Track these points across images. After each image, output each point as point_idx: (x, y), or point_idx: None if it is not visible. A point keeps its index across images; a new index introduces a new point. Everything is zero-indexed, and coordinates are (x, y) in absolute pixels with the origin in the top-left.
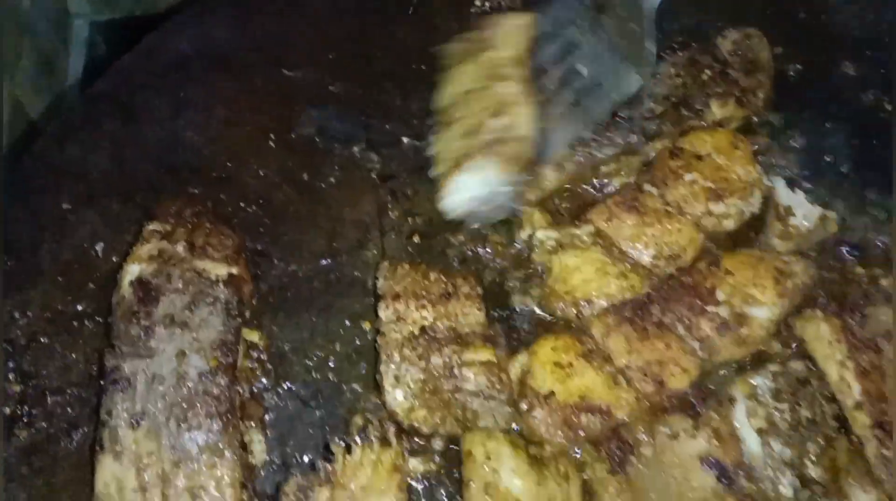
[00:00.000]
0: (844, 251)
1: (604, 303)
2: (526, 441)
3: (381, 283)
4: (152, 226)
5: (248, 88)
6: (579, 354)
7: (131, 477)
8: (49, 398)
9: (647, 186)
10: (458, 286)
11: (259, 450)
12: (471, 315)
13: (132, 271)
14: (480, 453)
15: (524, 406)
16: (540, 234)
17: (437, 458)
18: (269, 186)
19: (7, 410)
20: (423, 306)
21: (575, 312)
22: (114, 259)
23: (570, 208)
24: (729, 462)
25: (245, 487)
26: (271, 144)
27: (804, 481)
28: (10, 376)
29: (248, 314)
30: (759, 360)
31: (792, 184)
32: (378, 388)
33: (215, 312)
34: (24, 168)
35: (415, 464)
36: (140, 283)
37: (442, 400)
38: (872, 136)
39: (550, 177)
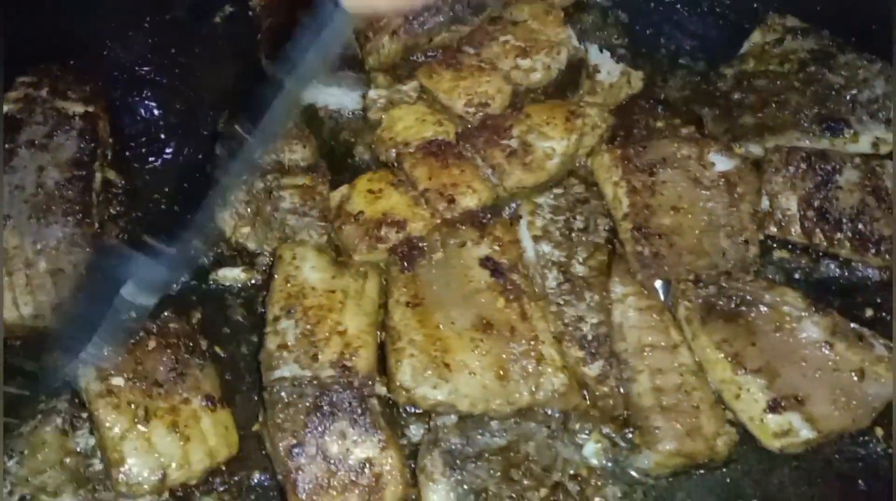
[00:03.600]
0: (646, 104)
1: (418, 144)
2: (336, 252)
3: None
4: (21, 78)
5: None
6: (390, 183)
7: None
8: None
9: (465, 47)
10: (288, 129)
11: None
12: (297, 153)
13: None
14: (288, 255)
15: (337, 225)
16: (372, 93)
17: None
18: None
19: None
20: None
21: (395, 153)
22: None
23: (406, 73)
24: (504, 262)
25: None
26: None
27: (568, 277)
28: None
29: (107, 152)
30: (549, 187)
31: (603, 48)
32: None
33: (71, 138)
34: None
35: (236, 274)
36: (6, 118)
37: (263, 218)
38: (692, 12)
39: (388, 45)
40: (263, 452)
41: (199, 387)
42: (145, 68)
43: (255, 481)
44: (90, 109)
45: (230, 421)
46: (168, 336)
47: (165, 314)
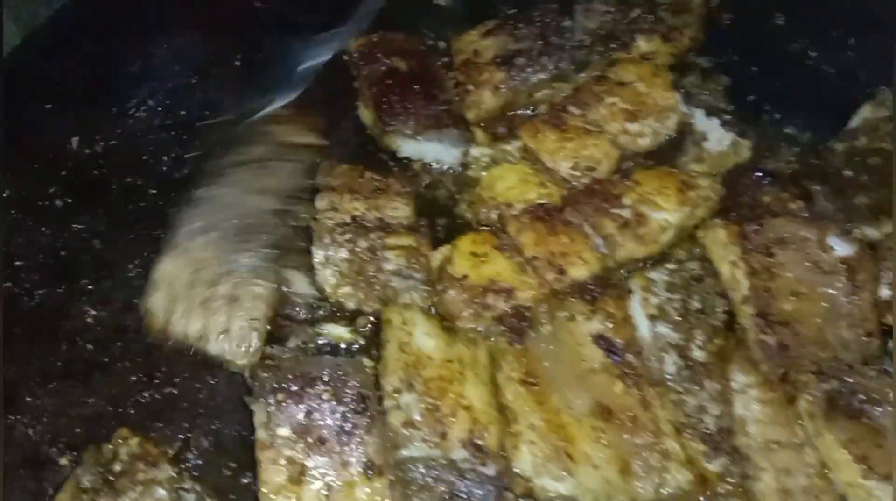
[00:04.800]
0: (755, 176)
1: (522, 207)
2: (440, 317)
3: (319, 179)
4: None
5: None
6: (494, 246)
7: (186, 274)
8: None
9: (571, 107)
10: (389, 184)
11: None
12: (399, 209)
13: None
14: (398, 320)
15: (440, 289)
16: (475, 151)
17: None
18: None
19: None
20: (356, 199)
21: (497, 214)
22: (86, 151)
23: (506, 129)
24: (619, 341)
25: (277, 311)
26: (237, 63)
27: (687, 362)
28: None
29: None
30: (660, 261)
31: (711, 114)
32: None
33: (293, 168)
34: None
35: (340, 332)
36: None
37: (365, 279)
38: (795, 80)
39: (488, 100)
40: None
41: (362, 451)
42: None
43: None
44: (315, 141)
45: (385, 494)
46: (343, 389)
47: (339, 362)
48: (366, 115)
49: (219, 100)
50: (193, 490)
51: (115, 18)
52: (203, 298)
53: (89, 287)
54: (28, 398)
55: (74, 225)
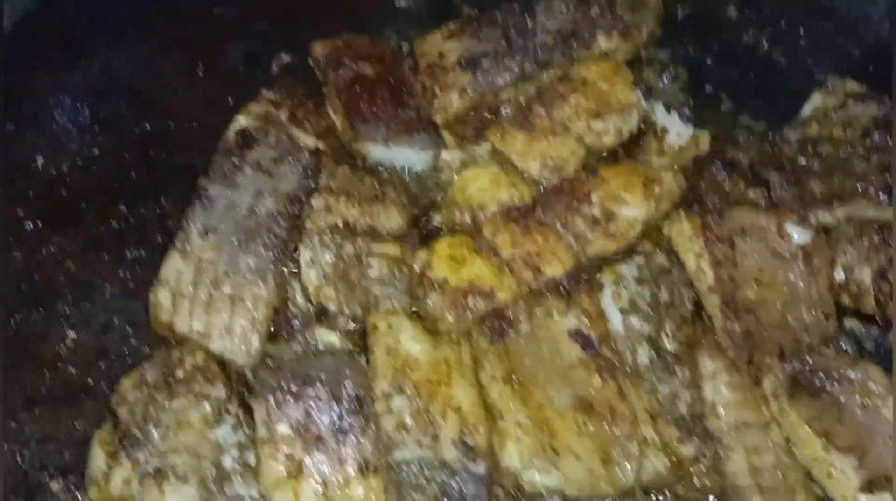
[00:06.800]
0: (714, 168)
1: (495, 209)
2: (424, 321)
3: (320, 179)
4: (267, 94)
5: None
6: (471, 249)
7: (190, 273)
8: None
9: (536, 108)
10: (386, 192)
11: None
12: (392, 219)
13: (241, 121)
14: (384, 325)
15: (421, 294)
16: (445, 155)
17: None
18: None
19: None
20: (351, 203)
21: (471, 217)
22: (52, 171)
23: (475, 132)
24: (594, 336)
25: (277, 312)
26: (199, 73)
27: (659, 352)
28: None
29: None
30: (629, 255)
31: (670, 108)
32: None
33: (296, 172)
34: None
35: (333, 339)
36: (243, 132)
37: (348, 283)
38: (750, 71)
39: (455, 103)
40: None
41: (357, 449)
42: None
43: None
44: (320, 145)
45: (380, 492)
46: (340, 390)
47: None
48: (335, 119)
49: (185, 109)
50: (235, 414)
51: (74, 29)
52: (207, 297)
53: (67, 310)
54: (14, 425)
55: (47, 247)
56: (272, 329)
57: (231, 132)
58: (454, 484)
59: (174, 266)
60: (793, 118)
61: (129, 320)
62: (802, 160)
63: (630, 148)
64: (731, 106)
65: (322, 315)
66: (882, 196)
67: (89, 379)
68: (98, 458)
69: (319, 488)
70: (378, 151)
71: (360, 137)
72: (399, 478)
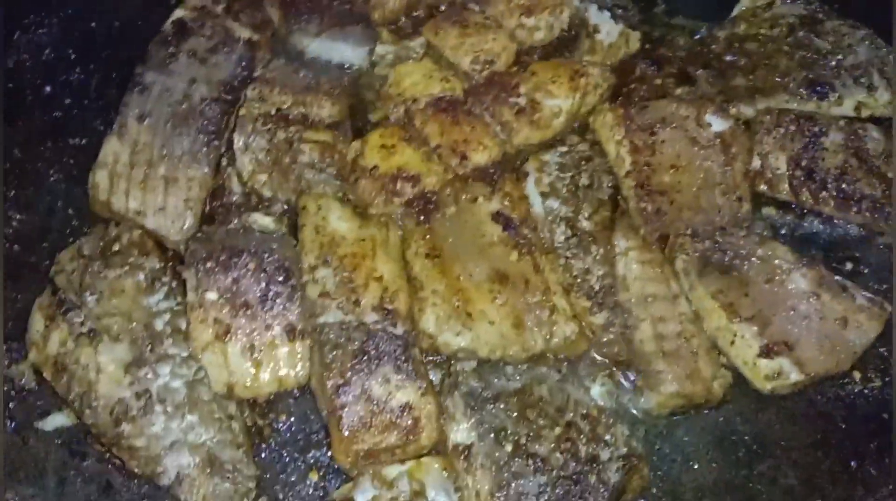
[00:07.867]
0: (644, 64)
1: (427, 100)
2: (353, 205)
3: (255, 69)
4: None
5: None
6: (402, 138)
7: (126, 155)
8: None
9: (470, 4)
10: (320, 84)
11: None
12: (325, 108)
13: (177, 13)
14: (313, 206)
15: (352, 179)
16: (380, 49)
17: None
18: None
19: None
20: (285, 93)
21: (404, 110)
22: None
23: (410, 28)
24: (515, 217)
25: (215, 197)
26: None
27: (575, 232)
28: None
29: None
30: (554, 146)
31: (603, 7)
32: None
33: (230, 61)
34: None
35: (266, 223)
36: (180, 22)
37: (281, 169)
38: None
39: (393, 1)
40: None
41: (283, 316)
42: None
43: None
44: (255, 37)
45: (306, 354)
46: (267, 262)
47: (266, 239)
48: (271, 13)
49: (130, 7)
50: (168, 284)
51: None
52: (142, 177)
53: (13, 194)
54: None
55: None
56: (209, 213)
57: (168, 23)
58: (371, 343)
59: (111, 148)
60: (724, 20)
61: (71, 203)
62: (729, 57)
63: (564, 47)
64: (667, 8)
65: (257, 200)
66: (803, 90)
67: (33, 257)
68: (37, 322)
69: (247, 350)
70: (314, 46)
71: (295, 30)
72: (322, 339)
